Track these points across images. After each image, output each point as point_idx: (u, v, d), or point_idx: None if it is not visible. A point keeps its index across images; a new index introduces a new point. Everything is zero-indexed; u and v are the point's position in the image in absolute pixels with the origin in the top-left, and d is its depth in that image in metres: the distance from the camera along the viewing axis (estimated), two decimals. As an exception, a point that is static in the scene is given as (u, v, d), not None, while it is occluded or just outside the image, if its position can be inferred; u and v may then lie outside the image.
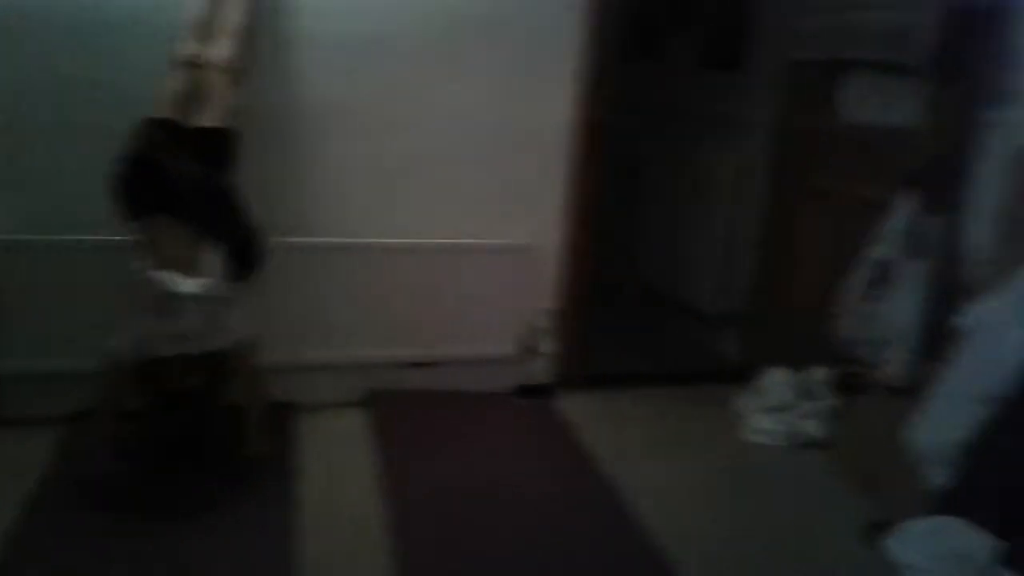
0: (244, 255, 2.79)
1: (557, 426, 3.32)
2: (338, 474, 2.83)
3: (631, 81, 4.70)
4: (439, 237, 3.33)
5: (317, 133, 3.15)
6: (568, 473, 3.00)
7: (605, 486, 2.88)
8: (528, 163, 3.40)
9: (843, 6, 3.44)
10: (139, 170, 2.62)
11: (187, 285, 2.57)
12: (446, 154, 3.30)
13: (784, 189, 3.82)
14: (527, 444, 3.20)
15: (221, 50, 2.81)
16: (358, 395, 3.34)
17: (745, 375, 3.63)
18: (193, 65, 2.77)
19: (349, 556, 2.41)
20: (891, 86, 3.25)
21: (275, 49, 3.05)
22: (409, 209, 3.31)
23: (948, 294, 2.78)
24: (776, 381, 3.46)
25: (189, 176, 2.65)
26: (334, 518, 2.57)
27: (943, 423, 2.49)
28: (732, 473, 3.11)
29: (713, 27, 4.37)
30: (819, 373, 3.45)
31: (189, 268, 2.60)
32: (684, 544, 2.56)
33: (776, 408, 3.36)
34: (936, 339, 2.74)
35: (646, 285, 4.73)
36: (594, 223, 3.59)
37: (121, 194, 2.65)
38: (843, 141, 3.51)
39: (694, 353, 4.16)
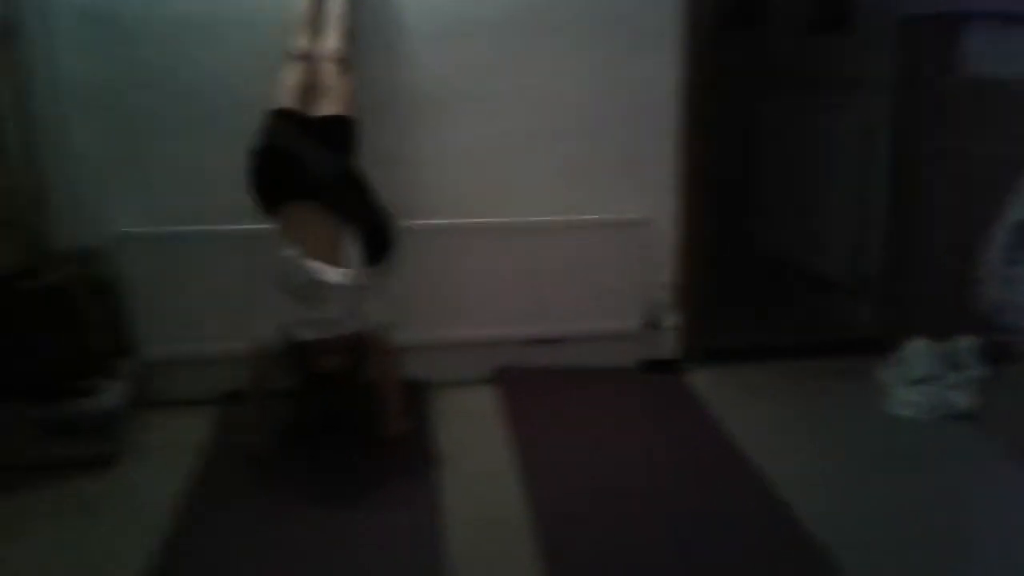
0: (379, 239, 2.87)
1: (687, 401, 3.29)
2: (474, 451, 2.88)
3: (738, 47, 4.62)
4: (559, 214, 3.34)
5: (433, 117, 3.20)
6: (704, 450, 2.93)
7: (745, 464, 2.81)
8: (640, 135, 3.37)
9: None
10: (274, 160, 2.72)
11: (330, 274, 2.64)
12: (559, 130, 3.31)
13: (910, 148, 3.66)
14: (658, 420, 3.16)
15: (330, 42, 2.90)
16: (488, 372, 3.40)
17: (883, 346, 3.51)
18: (306, 58, 2.87)
19: (490, 531, 2.46)
20: (1016, 36, 3.07)
21: (384, 37, 3.11)
22: (528, 188, 3.33)
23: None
24: (919, 351, 3.33)
25: (323, 163, 2.73)
26: (473, 495, 2.62)
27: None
28: (878, 448, 2.97)
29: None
30: (964, 342, 3.30)
31: (328, 255, 2.68)
32: (835, 526, 2.45)
33: (920, 380, 3.23)
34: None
35: (770, 254, 4.62)
36: (710, 192, 3.53)
37: (258, 184, 2.76)
38: (968, 96, 3.35)
39: (826, 323, 4.02)
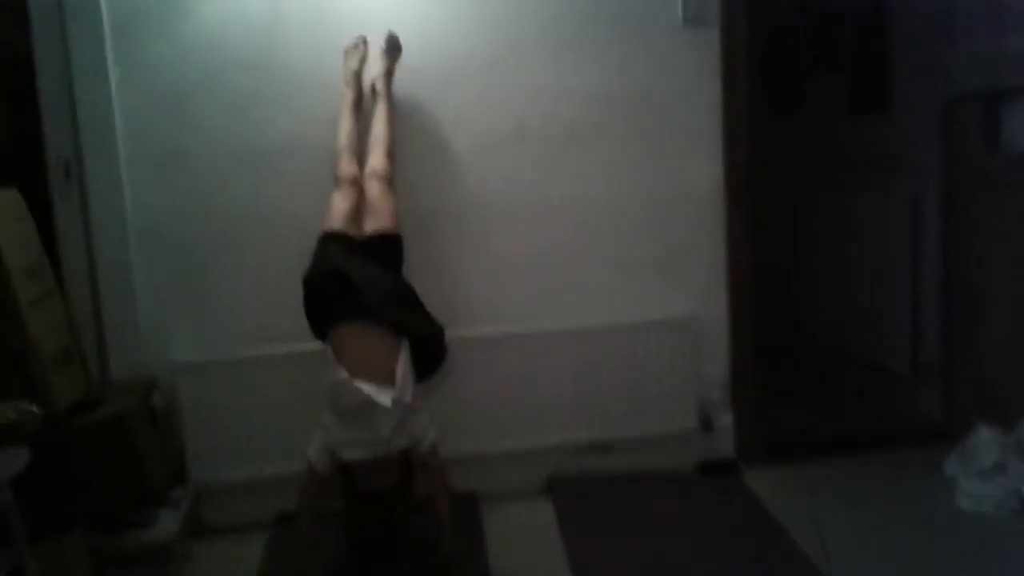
0: (430, 353, 2.89)
1: (746, 504, 3.19)
2: (528, 567, 2.83)
3: (780, 132, 4.64)
4: (605, 317, 3.34)
5: (477, 227, 3.27)
6: (768, 557, 2.83)
7: (808, 570, 2.70)
8: (685, 231, 3.39)
9: (1000, 30, 3.26)
10: (327, 284, 2.78)
11: (381, 395, 2.65)
12: (603, 233, 3.34)
13: (961, 228, 3.60)
14: (718, 526, 3.06)
15: (375, 161, 2.99)
16: (539, 482, 3.36)
17: (947, 435, 3.39)
18: (355, 183, 2.96)
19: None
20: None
21: (426, 153, 3.21)
22: (574, 292, 3.35)
23: None
24: (985, 439, 3.19)
25: (374, 282, 2.79)
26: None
27: None
28: (946, 548, 2.83)
29: (858, 69, 4.25)
30: (1034, 428, 3.17)
31: (380, 374, 2.70)
32: None
33: (989, 471, 3.09)
34: None
35: (825, 343, 4.53)
36: (760, 284, 3.51)
37: (313, 309, 2.82)
38: (1019, 173, 3.29)
39: (887, 413, 3.90)
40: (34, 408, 2.64)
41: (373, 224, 2.93)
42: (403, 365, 2.76)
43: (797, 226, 4.74)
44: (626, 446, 3.39)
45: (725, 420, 3.48)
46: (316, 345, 2.89)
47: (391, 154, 3.05)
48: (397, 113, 3.11)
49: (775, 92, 4.88)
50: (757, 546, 2.91)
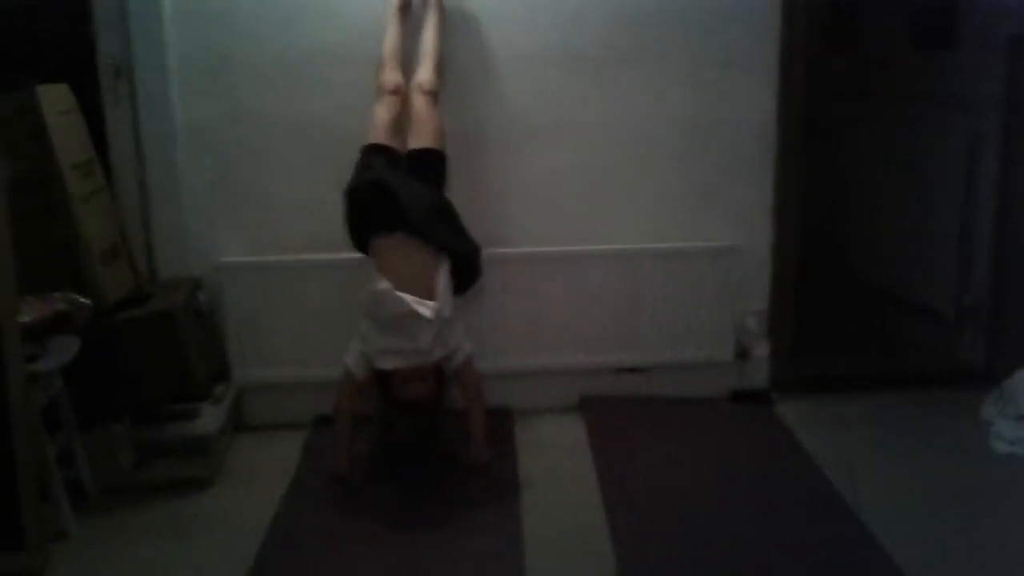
0: (467, 269, 2.92)
1: (777, 433, 3.20)
2: (558, 480, 2.88)
3: (836, 66, 4.51)
4: (646, 242, 3.32)
5: (518, 146, 3.24)
6: (794, 485, 2.84)
7: (837, 502, 2.71)
8: (732, 162, 3.33)
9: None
10: (369, 196, 2.80)
11: (422, 308, 2.69)
12: (648, 158, 3.30)
13: (1018, 172, 3.50)
14: (747, 452, 3.08)
15: (423, 75, 2.97)
16: (573, 400, 3.39)
17: (986, 378, 3.36)
18: (396, 92, 2.94)
19: (572, 560, 2.45)
20: None
21: (474, 69, 3.17)
22: (615, 215, 3.33)
23: None
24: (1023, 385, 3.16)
25: (416, 197, 2.80)
26: (557, 527, 2.61)
27: None
28: (977, 488, 2.83)
29: (922, 5, 4.11)
30: (1074, 375, 3.13)
31: (420, 286, 2.73)
32: (931, 568, 2.34)
33: (1024, 415, 3.07)
34: None
35: (868, 281, 4.47)
36: (804, 218, 3.46)
37: (354, 220, 2.85)
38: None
39: (926, 353, 3.84)
40: (83, 300, 2.71)
41: (417, 140, 2.92)
42: (443, 279, 2.79)
43: (849, 161, 4.64)
44: (660, 371, 3.40)
45: (761, 351, 3.47)
46: (357, 254, 2.93)
47: (440, 68, 3.02)
48: (446, 26, 3.08)
49: (835, 23, 4.73)
50: (784, 474, 2.92)
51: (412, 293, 2.71)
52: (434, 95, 2.98)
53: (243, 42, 3.09)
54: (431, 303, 2.71)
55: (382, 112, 2.94)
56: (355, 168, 2.88)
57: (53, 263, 2.81)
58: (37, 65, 3.11)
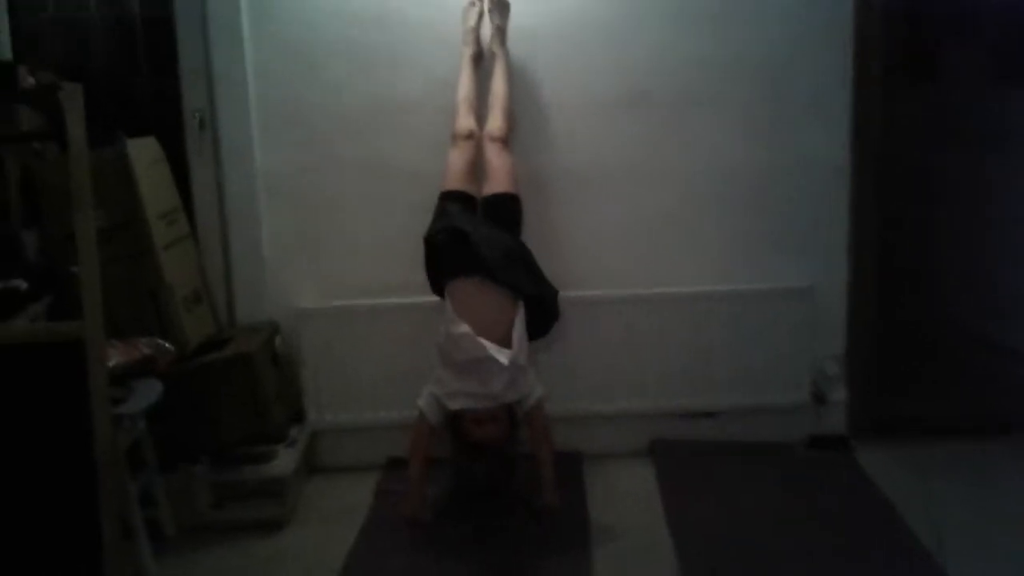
0: (543, 313, 2.93)
1: (856, 481, 3.10)
2: (628, 527, 2.84)
3: (913, 103, 4.42)
4: (719, 284, 3.29)
5: (589, 190, 3.26)
6: (875, 538, 2.74)
7: (918, 550, 2.61)
8: (806, 202, 3.30)
9: None
10: (448, 241, 2.84)
11: (499, 354, 2.71)
12: (721, 199, 3.29)
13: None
14: (824, 501, 2.98)
15: (494, 122, 3.02)
16: (643, 444, 3.36)
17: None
18: (471, 138, 3.00)
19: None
20: None
21: (543, 115, 3.21)
22: (687, 257, 3.31)
23: None
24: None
25: (495, 241, 2.84)
26: (626, 573, 2.58)
27: None
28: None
29: (1001, 40, 4.01)
30: None
31: (496, 331, 2.76)
32: None
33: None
34: None
35: (948, 323, 4.33)
36: (883, 258, 3.38)
37: (434, 263, 2.90)
38: None
39: (1010, 398, 3.67)
40: (167, 345, 2.81)
41: (492, 186, 2.99)
42: (520, 325, 2.81)
43: (927, 200, 4.53)
44: (733, 415, 3.35)
45: (839, 395, 3.38)
46: (431, 298, 2.98)
47: (509, 115, 3.08)
48: (515, 74, 3.14)
49: (911, 60, 4.66)
50: (864, 524, 2.83)
51: (489, 338, 2.73)
52: (505, 141, 3.04)
53: (322, 93, 3.20)
54: (507, 350, 2.73)
55: (457, 157, 3.00)
56: (433, 214, 2.94)
57: (138, 307, 2.93)
58: (127, 119, 3.25)
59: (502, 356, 2.71)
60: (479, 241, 2.79)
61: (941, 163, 4.43)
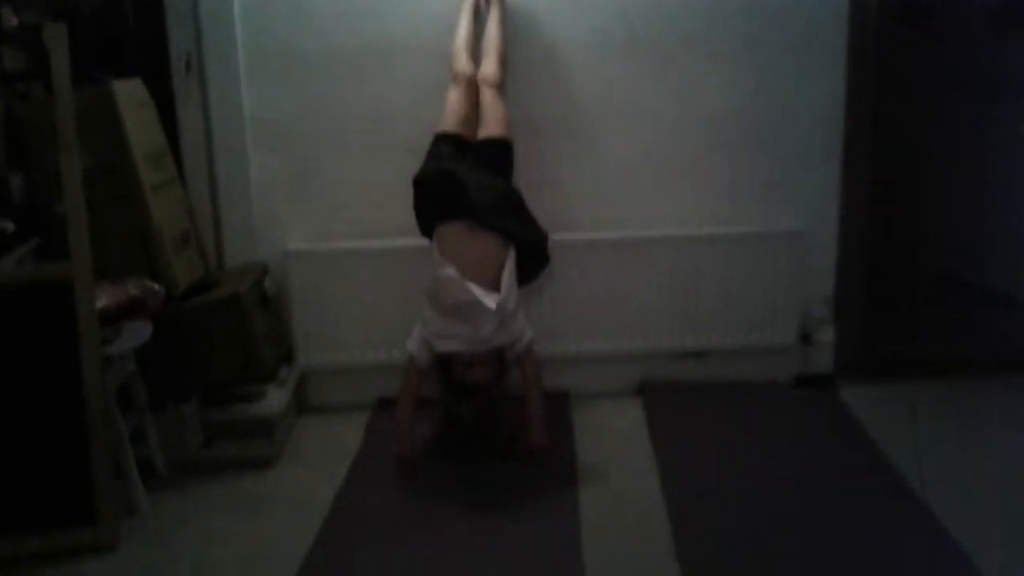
0: (534, 258, 2.93)
1: (842, 420, 3.13)
2: (616, 466, 2.88)
3: (911, 48, 4.37)
4: (710, 227, 3.29)
5: (582, 133, 3.24)
6: (859, 474, 2.78)
7: (901, 486, 2.65)
8: (799, 147, 3.28)
9: None
10: (439, 184, 2.83)
11: (487, 299, 2.71)
12: (714, 143, 3.27)
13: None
14: (810, 439, 3.04)
15: (489, 67, 3.00)
16: (632, 385, 3.39)
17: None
18: (466, 81, 2.98)
19: (629, 546, 2.45)
20: None
21: (537, 56, 3.18)
22: (680, 200, 3.31)
23: None
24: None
25: (485, 186, 2.83)
26: (615, 512, 2.61)
27: None
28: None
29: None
30: None
31: (485, 275, 2.76)
32: (1002, 564, 2.26)
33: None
34: None
35: (936, 267, 4.34)
36: (875, 204, 3.37)
37: (423, 207, 2.89)
38: None
39: (996, 340, 3.72)
40: (156, 286, 2.82)
41: (486, 130, 2.96)
42: (509, 271, 2.81)
43: (919, 147, 4.50)
44: (722, 355, 3.37)
45: (826, 336, 3.40)
46: (421, 241, 2.98)
47: (503, 60, 3.05)
48: (509, 18, 3.10)
49: (907, 5, 4.59)
50: (848, 459, 2.87)
51: (477, 282, 2.73)
52: (500, 87, 3.02)
53: (311, 35, 3.16)
54: (496, 294, 2.74)
55: (454, 98, 2.99)
56: (426, 156, 2.93)
57: (127, 250, 2.93)
58: (112, 60, 3.22)
59: (489, 300, 2.71)
60: (469, 185, 2.78)
61: (934, 111, 4.40)
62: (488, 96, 2.98)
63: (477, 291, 2.71)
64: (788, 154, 3.28)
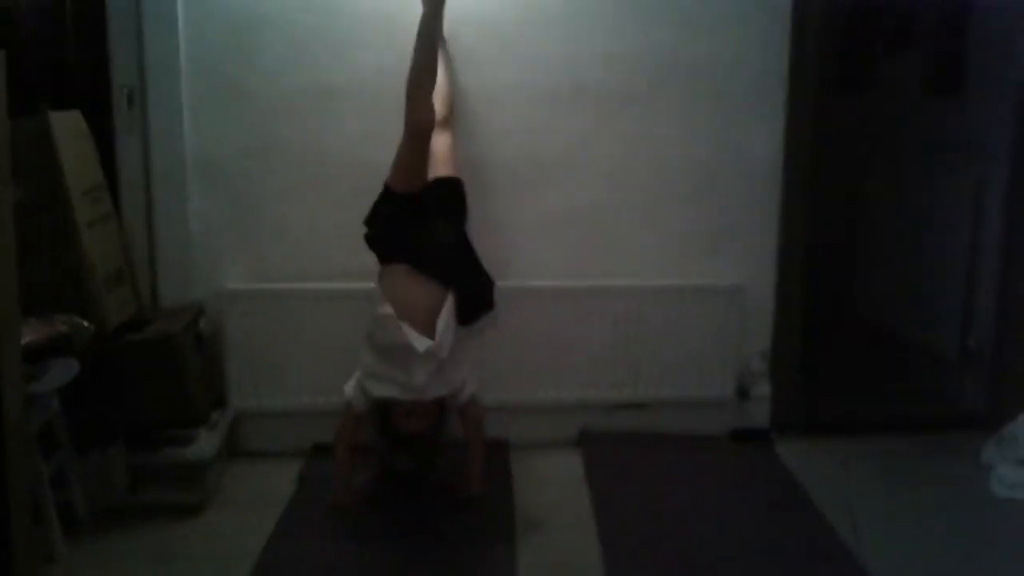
0: (477, 302, 2.92)
1: (777, 474, 3.17)
2: (554, 516, 2.85)
3: (846, 111, 4.54)
4: (650, 279, 3.33)
5: (524, 182, 3.26)
6: (793, 527, 2.80)
7: (836, 544, 2.67)
8: (738, 202, 3.35)
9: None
10: (388, 229, 2.82)
11: (417, 341, 2.68)
12: (654, 196, 3.32)
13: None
14: (746, 492, 3.06)
15: (441, 108, 2.98)
16: (572, 435, 3.38)
17: (989, 423, 3.32)
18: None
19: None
20: None
21: (481, 105, 3.20)
22: (619, 252, 3.34)
23: None
24: (1025, 428, 3.13)
25: (434, 234, 2.81)
26: (553, 564, 2.58)
27: None
28: (978, 533, 2.80)
29: (932, 52, 4.14)
30: (1077, 421, 3.09)
31: (423, 320, 2.73)
32: None
33: (1026, 460, 3.04)
34: None
35: (872, 324, 4.46)
36: (810, 260, 3.46)
37: (375, 248, 2.86)
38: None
39: (928, 397, 3.83)
40: (85, 323, 2.73)
41: (437, 171, 2.93)
42: (445, 318, 2.77)
43: (856, 205, 4.65)
44: (661, 407, 3.39)
45: (762, 390, 3.45)
46: (362, 285, 2.96)
47: (451, 101, 3.08)
48: (455, 62, 3.13)
49: (844, 69, 4.77)
50: (783, 515, 2.89)
51: (414, 325, 2.70)
52: (447, 126, 3.02)
53: (256, 74, 3.14)
54: (428, 341, 2.71)
55: (403, 147, 2.84)
56: (377, 201, 2.86)
57: (58, 286, 2.84)
58: (51, 90, 3.15)
59: (420, 344, 2.68)
60: (422, 232, 2.78)
61: (870, 169, 4.56)
62: (440, 138, 2.96)
63: (410, 333, 2.68)
64: (729, 209, 3.35)
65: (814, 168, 3.37)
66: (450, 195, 2.94)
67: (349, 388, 2.82)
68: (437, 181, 2.92)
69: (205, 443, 2.93)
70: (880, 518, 2.84)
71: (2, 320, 2.40)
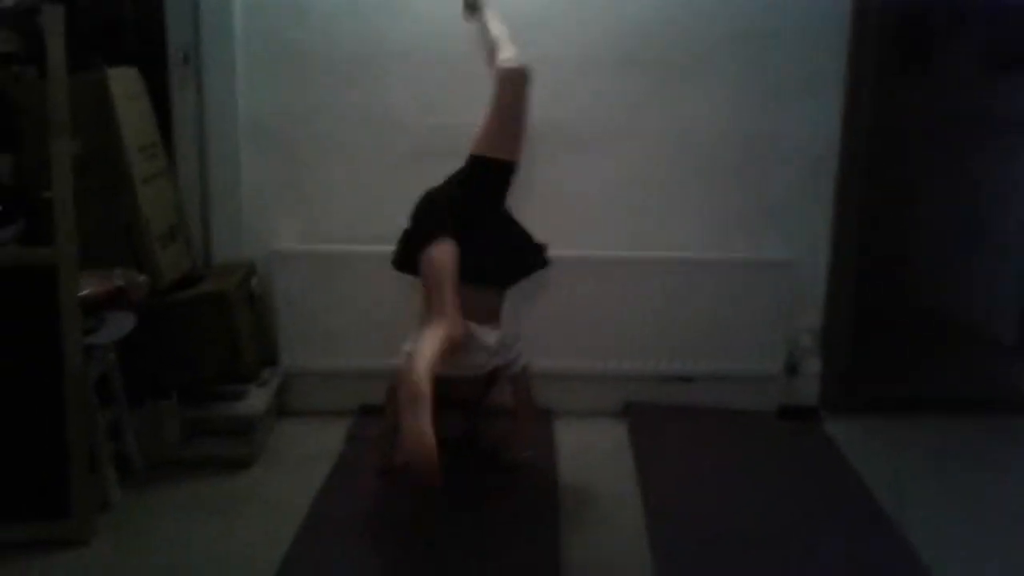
0: (531, 267, 2.89)
1: (825, 452, 3.12)
2: (597, 485, 2.85)
3: (907, 88, 4.43)
4: (698, 251, 3.29)
5: (575, 150, 3.23)
6: (841, 506, 2.76)
7: (885, 524, 2.63)
8: (792, 177, 3.29)
9: None
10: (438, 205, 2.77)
11: (487, 336, 2.68)
12: (707, 168, 3.27)
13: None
14: (793, 469, 3.01)
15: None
16: (617, 406, 3.37)
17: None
18: None
19: (610, 571, 2.43)
20: None
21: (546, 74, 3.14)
22: (671, 223, 3.30)
23: None
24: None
25: (488, 245, 2.77)
26: (595, 532, 2.58)
27: None
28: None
29: (996, 27, 4.02)
30: None
31: (480, 311, 2.69)
32: None
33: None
34: None
35: (925, 305, 4.36)
36: (864, 238, 3.39)
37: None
38: None
39: (983, 381, 3.73)
40: (141, 277, 2.77)
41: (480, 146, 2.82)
42: (501, 307, 2.79)
43: (913, 184, 4.54)
44: (708, 381, 3.36)
45: (812, 367, 3.40)
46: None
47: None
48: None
49: (907, 45, 4.65)
50: (829, 491, 2.86)
51: (474, 319, 2.67)
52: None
53: (310, 35, 3.13)
54: (494, 333, 2.71)
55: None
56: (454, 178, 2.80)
57: (114, 241, 2.88)
58: (109, 48, 3.17)
59: (489, 337, 2.69)
60: (473, 211, 2.74)
61: (929, 149, 4.45)
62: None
63: (475, 328, 2.68)
64: (781, 182, 3.29)
65: (871, 145, 3.30)
66: (492, 174, 2.82)
67: (403, 355, 2.81)
68: (482, 158, 2.80)
69: (255, 399, 2.96)
70: (928, 497, 2.80)
71: (62, 271, 2.45)
